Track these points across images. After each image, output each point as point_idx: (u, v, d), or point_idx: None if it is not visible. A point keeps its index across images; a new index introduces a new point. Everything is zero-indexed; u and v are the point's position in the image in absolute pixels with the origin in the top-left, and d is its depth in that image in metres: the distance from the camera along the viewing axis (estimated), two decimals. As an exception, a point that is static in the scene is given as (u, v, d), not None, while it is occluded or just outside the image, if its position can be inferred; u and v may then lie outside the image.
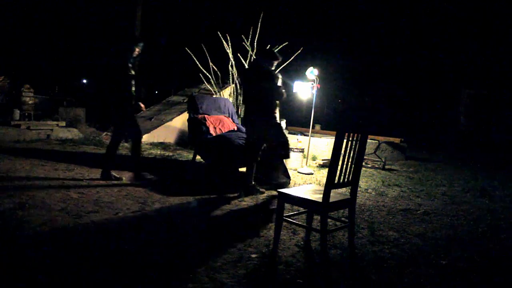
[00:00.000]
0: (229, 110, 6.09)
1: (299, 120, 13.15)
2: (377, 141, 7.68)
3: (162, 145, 7.59)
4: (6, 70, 10.15)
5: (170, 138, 8.19)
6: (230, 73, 7.61)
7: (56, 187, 4.04)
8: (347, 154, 2.64)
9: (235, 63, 7.50)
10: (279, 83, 4.46)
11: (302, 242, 2.98)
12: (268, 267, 2.53)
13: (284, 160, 5.06)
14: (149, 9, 15.68)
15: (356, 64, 20.27)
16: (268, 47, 5.91)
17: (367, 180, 5.66)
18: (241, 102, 7.39)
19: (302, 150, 6.26)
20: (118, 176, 4.60)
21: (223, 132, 5.52)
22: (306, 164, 6.25)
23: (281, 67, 7.24)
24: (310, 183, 5.13)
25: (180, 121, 8.29)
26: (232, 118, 6.03)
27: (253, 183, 4.45)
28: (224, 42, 7.45)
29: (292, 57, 7.19)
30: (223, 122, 5.72)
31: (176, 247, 2.73)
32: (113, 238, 2.80)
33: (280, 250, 2.81)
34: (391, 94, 20.13)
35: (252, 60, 4.63)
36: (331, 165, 2.57)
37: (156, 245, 2.73)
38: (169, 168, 5.78)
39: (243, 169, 5.51)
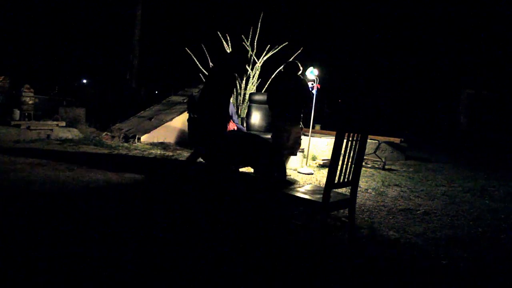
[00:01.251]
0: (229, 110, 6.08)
1: (299, 120, 13.12)
2: (377, 141, 7.68)
3: (162, 145, 7.59)
4: (6, 70, 10.14)
5: (170, 138, 8.19)
6: (230, 73, 7.59)
7: (56, 187, 4.04)
8: (347, 154, 2.64)
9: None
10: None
11: (302, 242, 2.98)
12: (268, 267, 2.53)
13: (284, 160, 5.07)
14: (149, 9, 15.69)
15: (356, 64, 20.27)
16: (291, 60, 5.94)
17: (367, 180, 5.66)
18: (241, 101, 7.40)
19: (302, 150, 6.26)
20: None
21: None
22: (306, 164, 6.25)
23: (281, 67, 7.24)
24: (310, 183, 5.13)
25: (180, 121, 8.29)
26: (232, 118, 6.02)
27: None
28: (224, 42, 7.44)
29: (292, 57, 7.19)
30: (223, 122, 5.71)
31: (178, 246, 2.73)
32: (113, 238, 2.80)
33: (280, 250, 2.81)
34: (391, 94, 20.12)
35: (287, 71, 5.05)
36: (331, 165, 2.57)
37: (156, 245, 2.73)
38: (169, 168, 5.78)
39: (244, 169, 5.52)
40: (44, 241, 2.64)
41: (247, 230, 3.18)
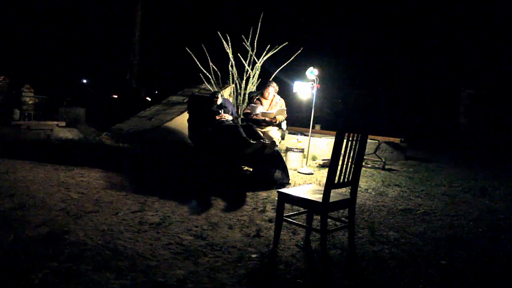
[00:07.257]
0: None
1: (299, 120, 13.15)
2: (377, 141, 7.68)
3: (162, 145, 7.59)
4: (6, 70, 10.14)
5: (170, 138, 8.18)
6: (230, 73, 7.60)
7: (56, 187, 4.04)
8: (347, 154, 2.64)
9: (235, 63, 7.49)
10: None
11: (302, 242, 2.98)
12: (268, 267, 2.53)
13: (284, 160, 5.06)
14: (149, 9, 15.69)
15: (356, 64, 20.27)
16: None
17: (367, 180, 5.66)
18: (241, 101, 7.40)
19: (302, 150, 6.26)
20: None
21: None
22: (306, 164, 6.25)
23: (281, 67, 7.25)
24: (310, 183, 5.13)
25: (180, 121, 8.28)
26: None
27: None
28: (224, 42, 7.44)
29: (292, 57, 7.19)
30: (223, 122, 5.71)
31: (177, 248, 2.73)
32: (113, 239, 2.80)
33: (280, 250, 2.81)
34: (391, 94, 20.12)
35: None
36: (331, 165, 2.57)
37: (157, 245, 2.73)
38: (169, 168, 5.77)
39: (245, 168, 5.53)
40: (43, 239, 2.64)
41: (246, 230, 3.18)
